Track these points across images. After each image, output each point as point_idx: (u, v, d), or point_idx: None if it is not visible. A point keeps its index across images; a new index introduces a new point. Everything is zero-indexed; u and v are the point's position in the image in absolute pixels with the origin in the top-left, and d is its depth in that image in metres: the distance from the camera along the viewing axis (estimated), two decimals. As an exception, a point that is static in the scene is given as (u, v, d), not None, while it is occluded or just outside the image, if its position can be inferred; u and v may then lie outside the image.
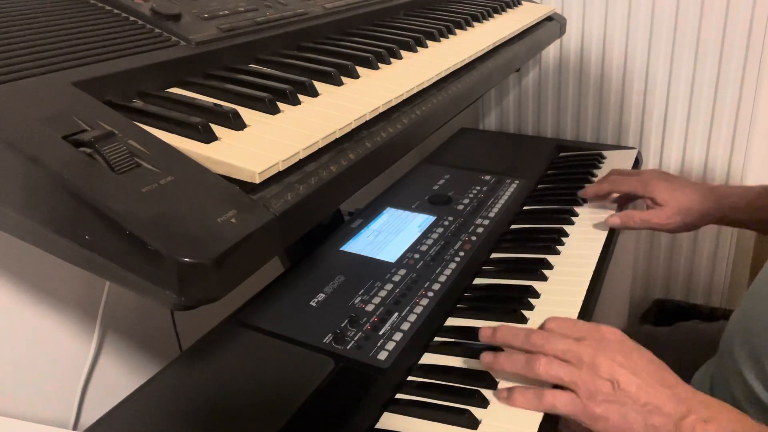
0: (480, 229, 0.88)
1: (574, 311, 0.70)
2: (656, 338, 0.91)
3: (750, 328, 0.62)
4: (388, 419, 0.57)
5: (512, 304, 0.71)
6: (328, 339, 0.65)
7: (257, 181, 0.40)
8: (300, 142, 0.44)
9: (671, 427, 0.50)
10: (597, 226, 0.89)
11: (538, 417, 0.55)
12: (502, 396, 0.57)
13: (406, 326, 0.67)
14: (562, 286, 0.75)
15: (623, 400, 0.52)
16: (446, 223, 0.89)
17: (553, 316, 0.60)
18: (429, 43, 0.75)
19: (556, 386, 0.56)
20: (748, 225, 0.86)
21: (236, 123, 0.46)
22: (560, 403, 0.54)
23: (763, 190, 0.82)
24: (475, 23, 0.90)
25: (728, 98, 1.18)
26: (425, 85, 0.62)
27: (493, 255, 0.83)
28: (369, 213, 0.92)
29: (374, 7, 0.82)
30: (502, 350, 0.60)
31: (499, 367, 0.58)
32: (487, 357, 0.59)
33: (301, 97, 0.53)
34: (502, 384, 0.59)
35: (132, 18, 0.56)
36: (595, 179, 1.05)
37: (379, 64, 0.64)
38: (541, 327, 0.60)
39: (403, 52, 0.69)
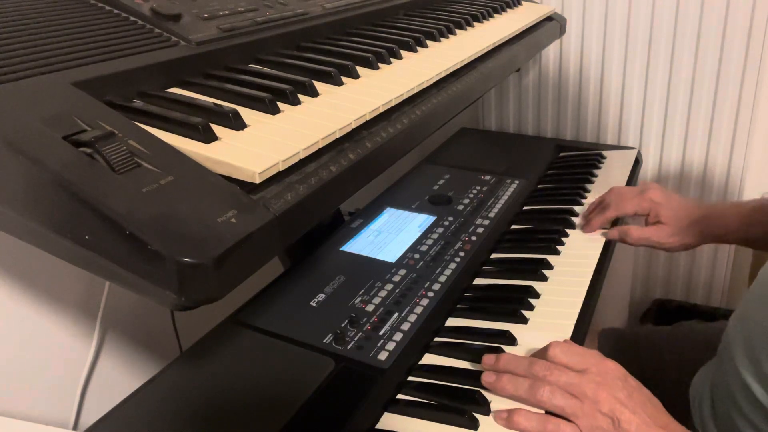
0: (480, 229, 0.88)
1: (574, 311, 0.70)
2: (656, 338, 0.91)
3: (749, 329, 0.61)
4: (388, 419, 0.57)
5: (512, 305, 0.71)
6: (328, 339, 0.65)
7: (257, 181, 0.40)
8: (300, 142, 0.44)
9: None
10: (597, 226, 0.89)
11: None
12: (501, 417, 0.56)
13: (406, 326, 0.67)
14: (563, 286, 0.75)
15: None
16: (446, 223, 0.89)
17: (555, 341, 0.59)
18: (429, 43, 0.75)
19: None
20: (743, 243, 0.86)
21: (236, 123, 0.46)
22: None
23: (751, 209, 0.82)
24: (475, 23, 0.90)
25: (728, 98, 1.18)
26: (425, 85, 0.62)
27: (494, 255, 0.83)
28: (369, 213, 0.92)
29: (374, 7, 0.82)
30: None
31: (501, 389, 0.58)
32: (489, 377, 0.59)
33: (301, 97, 0.53)
34: (496, 403, 0.58)
35: (132, 18, 0.56)
36: (595, 179, 1.05)
37: (379, 64, 0.64)
38: (544, 350, 0.60)
39: (403, 52, 0.69)
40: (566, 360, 0.58)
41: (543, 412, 0.56)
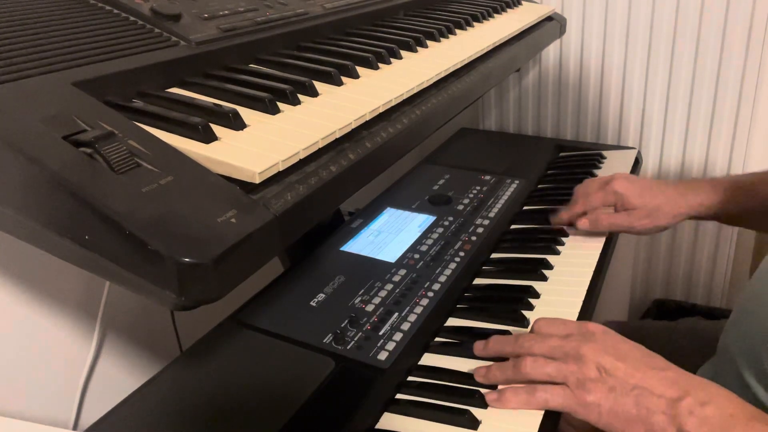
0: (480, 229, 0.88)
1: (574, 311, 0.70)
2: (658, 334, 0.91)
3: (748, 328, 0.61)
4: (388, 419, 0.57)
5: (512, 305, 0.71)
6: (328, 339, 0.65)
7: (257, 181, 0.40)
8: (300, 142, 0.44)
9: (666, 409, 0.50)
10: (597, 226, 0.89)
11: (539, 416, 0.55)
12: (491, 399, 0.57)
13: (406, 326, 0.67)
14: (563, 286, 0.75)
15: (611, 384, 0.52)
16: (446, 223, 0.89)
17: (541, 317, 0.61)
18: (429, 43, 0.75)
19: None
20: (718, 219, 0.86)
21: (236, 123, 0.46)
22: (552, 397, 0.54)
23: (729, 184, 0.82)
24: (475, 23, 0.90)
25: (728, 98, 1.18)
26: (425, 85, 0.62)
27: (494, 255, 0.83)
28: (369, 213, 0.92)
29: (374, 7, 0.82)
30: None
31: (493, 379, 0.59)
32: (479, 371, 0.60)
33: (301, 97, 0.53)
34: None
35: (132, 18, 0.56)
36: (595, 179, 1.05)
37: (379, 64, 0.64)
38: (531, 328, 0.61)
39: (403, 52, 0.69)
40: (550, 329, 0.59)
41: None
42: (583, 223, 0.85)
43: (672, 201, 0.84)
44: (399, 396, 0.60)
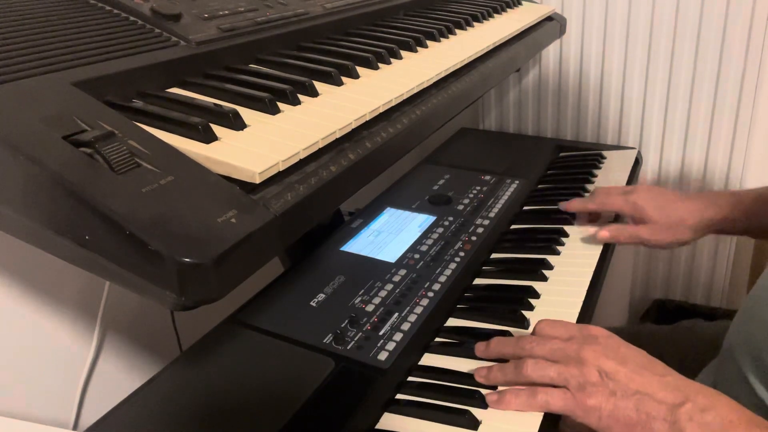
0: (480, 229, 0.88)
1: (574, 311, 0.70)
2: (657, 337, 0.91)
3: (752, 328, 0.61)
4: (388, 420, 0.57)
5: (512, 305, 0.71)
6: (328, 339, 0.65)
7: (257, 181, 0.40)
8: (300, 142, 0.44)
9: (666, 414, 0.50)
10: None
11: (539, 417, 0.55)
12: (492, 400, 0.57)
13: (406, 326, 0.67)
14: (563, 286, 0.75)
15: (612, 388, 0.52)
16: (446, 223, 0.89)
17: (543, 319, 0.61)
18: (429, 43, 0.75)
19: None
20: (743, 233, 0.84)
21: (236, 123, 0.46)
22: (553, 399, 0.54)
23: (754, 197, 0.81)
24: (475, 23, 0.90)
25: (728, 98, 1.18)
26: (425, 85, 0.62)
27: (494, 255, 0.83)
28: (369, 213, 0.92)
29: (374, 7, 0.82)
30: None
31: (494, 380, 0.59)
32: (480, 371, 0.60)
33: (301, 97, 0.53)
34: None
35: (132, 18, 0.56)
36: (595, 179, 1.05)
37: (379, 64, 0.64)
38: (533, 330, 0.61)
39: (403, 52, 0.69)
40: (552, 332, 0.59)
41: None
42: (603, 235, 0.84)
43: (694, 215, 0.82)
44: (399, 396, 0.60)
